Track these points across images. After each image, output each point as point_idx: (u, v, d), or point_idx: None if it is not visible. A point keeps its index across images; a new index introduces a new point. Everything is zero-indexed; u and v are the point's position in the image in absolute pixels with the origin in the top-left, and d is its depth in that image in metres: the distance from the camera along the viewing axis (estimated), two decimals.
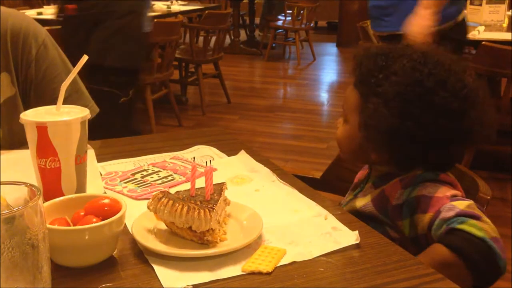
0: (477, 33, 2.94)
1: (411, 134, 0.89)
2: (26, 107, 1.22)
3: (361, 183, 1.07)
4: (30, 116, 0.85)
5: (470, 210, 0.83)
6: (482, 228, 0.80)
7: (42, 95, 1.20)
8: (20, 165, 0.95)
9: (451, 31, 2.19)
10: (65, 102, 1.14)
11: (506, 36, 2.94)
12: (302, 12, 6.51)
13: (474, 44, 2.82)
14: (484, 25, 3.16)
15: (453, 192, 0.90)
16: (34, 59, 1.20)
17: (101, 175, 1.02)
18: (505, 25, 3.35)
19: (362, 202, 1.00)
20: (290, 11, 6.55)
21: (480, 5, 3.29)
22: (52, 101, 1.06)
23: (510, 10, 3.80)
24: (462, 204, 0.84)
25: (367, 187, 1.03)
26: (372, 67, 0.95)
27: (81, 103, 1.23)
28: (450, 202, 0.85)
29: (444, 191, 0.89)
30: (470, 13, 3.39)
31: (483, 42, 2.65)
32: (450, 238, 0.81)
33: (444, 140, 0.91)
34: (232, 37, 7.17)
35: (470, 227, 0.80)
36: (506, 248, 0.82)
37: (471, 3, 3.36)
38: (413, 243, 0.90)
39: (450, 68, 0.92)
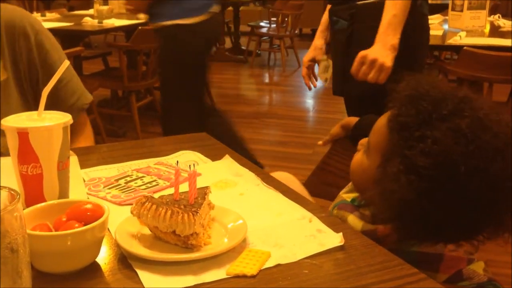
0: (459, 39, 2.98)
1: (424, 213, 0.76)
2: (34, 91, 1.27)
3: (356, 199, 1.00)
4: (11, 122, 0.84)
5: (490, 275, 0.84)
6: None
7: (49, 77, 1.23)
8: (2, 172, 0.93)
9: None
10: (68, 85, 1.27)
11: (487, 41, 2.98)
12: (286, 19, 6.54)
13: (456, 50, 2.86)
14: (465, 31, 3.20)
15: (461, 248, 0.86)
16: (34, 45, 1.25)
17: (84, 181, 1.01)
18: (486, 30, 3.40)
19: (353, 225, 0.92)
20: (275, 19, 6.58)
21: (461, 11, 3.34)
22: (59, 82, 1.13)
23: (492, 16, 3.86)
24: (481, 266, 0.85)
25: (365, 212, 0.95)
26: (411, 118, 0.79)
27: (80, 88, 1.33)
28: (470, 266, 0.84)
29: (452, 253, 0.85)
30: (451, 19, 3.44)
31: (465, 48, 2.69)
32: None
33: (464, 226, 0.79)
34: (217, 45, 7.18)
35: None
36: (505, 251, 0.85)
37: (453, 9, 3.40)
38: None
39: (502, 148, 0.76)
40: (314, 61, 2.11)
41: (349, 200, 1.02)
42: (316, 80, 2.17)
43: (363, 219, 0.94)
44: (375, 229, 0.90)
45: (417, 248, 0.85)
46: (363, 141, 0.96)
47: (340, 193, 1.07)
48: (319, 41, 2.11)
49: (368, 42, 1.72)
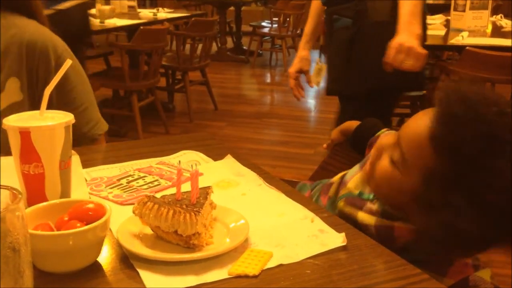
0: (461, 39, 2.98)
1: (472, 240, 0.75)
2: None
3: (364, 193, 0.97)
4: (13, 121, 0.84)
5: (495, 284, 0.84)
6: None
7: (63, 103, 1.22)
8: (4, 171, 0.93)
9: None
10: (84, 113, 1.26)
11: (489, 41, 2.98)
12: (288, 19, 6.54)
13: (458, 50, 2.86)
14: (468, 31, 3.20)
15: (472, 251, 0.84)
16: (53, 69, 1.20)
17: (86, 181, 1.01)
18: (488, 30, 3.39)
19: (365, 221, 0.91)
20: (277, 19, 6.58)
21: (464, 11, 3.33)
22: (73, 109, 1.14)
23: (494, 16, 3.86)
24: (488, 274, 0.84)
25: (373, 206, 0.92)
26: (467, 143, 0.72)
27: (96, 116, 1.29)
28: (478, 274, 0.84)
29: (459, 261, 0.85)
30: (453, 19, 3.43)
31: (467, 48, 2.68)
32: None
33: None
34: (219, 45, 7.18)
35: None
36: (506, 251, 0.82)
37: (455, 9, 3.40)
38: None
39: None
40: (301, 72, 2.13)
41: (356, 193, 0.99)
42: (303, 90, 2.18)
43: (373, 214, 0.91)
44: (392, 225, 0.87)
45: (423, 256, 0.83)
46: (384, 145, 0.88)
47: (348, 185, 1.02)
48: (304, 52, 2.15)
49: (375, 38, 1.72)
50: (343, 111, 2.05)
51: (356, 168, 1.05)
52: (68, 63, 0.90)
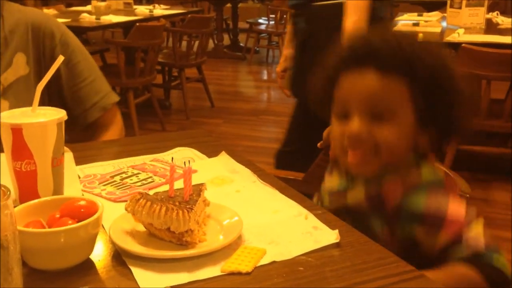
0: (457, 36, 2.98)
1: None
2: (52, 89, 1.28)
3: (347, 175, 0.98)
4: (5, 118, 0.84)
5: (490, 239, 0.85)
6: (506, 263, 0.83)
7: (72, 75, 1.31)
8: None
9: None
10: (92, 84, 1.33)
11: (485, 38, 2.98)
12: (285, 16, 6.53)
13: (454, 47, 2.85)
14: (464, 28, 3.20)
15: (462, 206, 0.87)
16: (58, 43, 1.29)
17: (79, 178, 1.00)
18: (484, 27, 3.39)
19: (355, 198, 0.94)
20: (273, 15, 6.56)
21: (460, 8, 3.33)
22: (82, 80, 1.28)
23: (490, 13, 3.85)
24: (481, 228, 0.85)
25: (359, 182, 0.95)
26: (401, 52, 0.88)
27: (106, 88, 1.37)
28: (470, 229, 0.85)
29: (456, 210, 0.86)
30: (450, 16, 3.43)
31: (463, 45, 2.68)
32: (482, 266, 0.82)
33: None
34: (216, 41, 7.16)
35: (503, 267, 0.83)
36: (502, 248, 0.86)
37: (451, 6, 3.40)
38: (400, 245, 0.88)
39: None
40: (286, 70, 2.17)
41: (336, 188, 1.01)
42: None
43: (361, 189, 0.94)
44: (379, 189, 0.91)
45: (422, 208, 0.86)
46: (357, 141, 0.89)
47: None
48: (288, 51, 2.16)
49: (323, 43, 1.72)
50: (296, 113, 2.08)
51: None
52: (60, 58, 0.89)
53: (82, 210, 0.70)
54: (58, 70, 1.28)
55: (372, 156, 0.89)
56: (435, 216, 0.86)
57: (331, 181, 1.04)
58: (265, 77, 6.48)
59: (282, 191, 0.94)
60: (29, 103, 0.86)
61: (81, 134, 1.32)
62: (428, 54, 0.90)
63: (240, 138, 3.99)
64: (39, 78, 1.26)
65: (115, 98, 1.38)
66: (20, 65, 1.26)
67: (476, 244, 0.84)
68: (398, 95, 0.87)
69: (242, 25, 7.70)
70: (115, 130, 1.39)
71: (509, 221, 2.53)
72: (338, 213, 0.90)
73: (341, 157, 0.94)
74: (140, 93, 4.28)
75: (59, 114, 0.86)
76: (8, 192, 0.48)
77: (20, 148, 0.82)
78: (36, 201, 0.74)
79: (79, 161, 1.07)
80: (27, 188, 0.84)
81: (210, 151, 1.15)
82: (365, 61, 0.89)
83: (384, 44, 0.90)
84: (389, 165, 0.90)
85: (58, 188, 0.87)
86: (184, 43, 4.96)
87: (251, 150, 3.70)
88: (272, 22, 6.68)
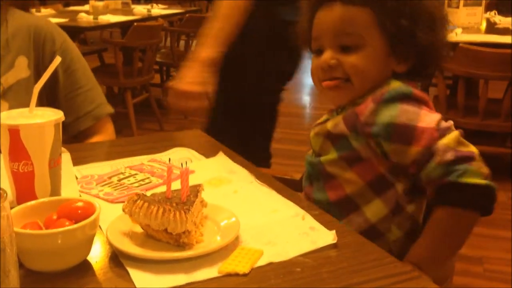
0: (455, 35, 2.98)
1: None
2: (50, 93, 1.31)
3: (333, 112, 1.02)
4: (2, 119, 0.83)
5: (464, 150, 0.85)
6: (481, 172, 0.84)
7: (70, 82, 1.34)
8: None
9: None
10: (88, 93, 1.35)
11: (483, 38, 2.98)
12: None
13: (452, 46, 2.86)
14: (461, 28, 3.20)
15: (435, 118, 0.88)
16: (58, 49, 1.32)
17: (77, 178, 1.00)
18: (482, 27, 3.40)
19: (334, 122, 0.97)
20: None
21: (457, 7, 3.34)
22: (79, 88, 1.31)
23: (488, 12, 3.86)
24: (453, 139, 0.86)
25: (340, 113, 0.99)
26: None
27: (101, 98, 1.38)
28: (441, 141, 0.85)
29: (426, 119, 0.87)
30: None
31: (461, 44, 2.69)
32: (456, 196, 0.85)
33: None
34: None
35: (473, 178, 0.83)
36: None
37: (449, 6, 3.40)
38: (385, 159, 0.91)
39: None
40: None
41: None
42: None
43: (340, 114, 0.98)
44: (354, 108, 0.94)
45: (392, 120, 0.88)
46: (332, 54, 0.95)
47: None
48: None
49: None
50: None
51: None
52: (57, 59, 0.89)
53: (79, 211, 0.70)
54: (56, 76, 1.31)
55: (344, 83, 0.95)
56: (404, 128, 0.87)
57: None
58: None
59: (279, 191, 0.94)
60: (28, 105, 0.87)
61: (70, 142, 1.32)
62: None
63: None
64: (37, 81, 1.28)
65: (109, 109, 1.39)
66: (21, 68, 1.28)
67: (445, 156, 0.84)
68: (363, 24, 0.93)
69: None
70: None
71: (509, 221, 2.53)
72: (318, 136, 0.98)
73: (319, 89, 1.01)
74: (138, 93, 4.28)
75: (56, 115, 0.86)
76: (5, 194, 0.48)
77: (17, 149, 0.82)
78: (33, 202, 0.74)
79: (76, 161, 1.07)
80: (24, 189, 0.84)
81: (208, 151, 1.15)
82: None
83: None
84: (365, 93, 0.95)
85: (55, 189, 0.87)
86: (182, 43, 4.95)
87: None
88: None
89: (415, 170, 0.88)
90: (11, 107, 1.24)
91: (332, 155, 0.97)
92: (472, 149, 0.87)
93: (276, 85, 2.02)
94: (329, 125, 0.98)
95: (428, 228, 0.88)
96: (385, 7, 0.92)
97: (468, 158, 0.85)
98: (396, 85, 0.93)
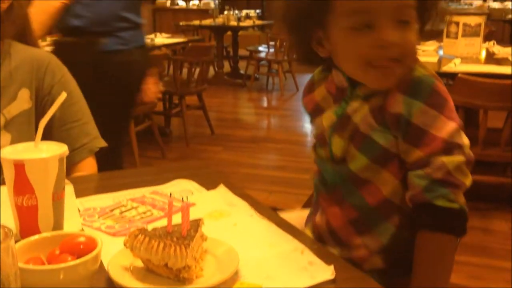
0: (454, 66, 3.02)
1: None
2: (48, 123, 1.31)
3: (339, 100, 0.96)
4: (8, 153, 0.85)
5: (458, 177, 0.84)
6: (458, 200, 0.85)
7: (66, 115, 1.36)
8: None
9: None
10: (84, 126, 1.39)
11: (482, 68, 3.02)
12: (285, 43, 6.62)
13: (451, 76, 2.89)
14: (460, 58, 3.25)
15: (450, 128, 0.85)
16: (57, 82, 1.35)
17: (79, 211, 1.01)
18: (481, 57, 3.44)
19: (360, 115, 0.91)
20: (273, 43, 6.65)
21: (456, 38, 3.39)
22: (75, 121, 1.35)
23: (487, 42, 3.91)
24: (454, 163, 0.84)
25: (357, 103, 0.93)
26: None
27: (95, 132, 1.41)
28: (443, 157, 0.84)
29: (441, 127, 0.85)
30: (446, 45, 3.49)
31: (460, 75, 2.72)
32: (430, 219, 0.85)
33: None
34: (216, 69, 7.25)
35: (448, 203, 0.84)
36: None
37: (447, 36, 3.45)
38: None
39: None
40: None
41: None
42: None
43: (362, 106, 0.92)
44: (381, 99, 0.90)
45: (411, 118, 0.86)
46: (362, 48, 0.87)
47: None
48: None
49: None
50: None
51: None
52: (63, 95, 0.92)
53: (81, 246, 0.71)
54: (53, 102, 1.32)
55: (395, 63, 0.86)
56: (418, 130, 0.86)
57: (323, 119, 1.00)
58: (265, 104, 6.53)
59: (278, 224, 0.95)
60: (29, 136, 0.89)
61: None
62: None
63: (240, 166, 4.00)
64: (37, 112, 1.33)
65: (102, 143, 1.41)
66: (24, 100, 1.31)
67: (435, 173, 0.84)
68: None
69: (242, 52, 7.79)
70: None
71: (509, 251, 2.52)
72: (341, 139, 0.94)
73: (362, 71, 0.89)
74: (140, 121, 4.31)
75: (61, 149, 0.88)
76: (11, 233, 0.50)
77: (22, 183, 0.84)
78: (36, 237, 0.75)
79: (79, 193, 1.09)
80: (28, 222, 0.85)
81: (209, 183, 1.16)
82: None
83: None
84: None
85: (58, 223, 0.88)
86: (184, 71, 5.02)
87: (250, 178, 3.71)
88: (272, 50, 6.77)
89: (408, 168, 0.88)
90: (13, 138, 1.27)
91: (361, 160, 0.91)
92: (466, 181, 0.86)
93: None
94: (357, 118, 0.92)
95: (416, 258, 0.88)
96: None
97: (455, 186, 0.84)
98: (420, 73, 0.88)
